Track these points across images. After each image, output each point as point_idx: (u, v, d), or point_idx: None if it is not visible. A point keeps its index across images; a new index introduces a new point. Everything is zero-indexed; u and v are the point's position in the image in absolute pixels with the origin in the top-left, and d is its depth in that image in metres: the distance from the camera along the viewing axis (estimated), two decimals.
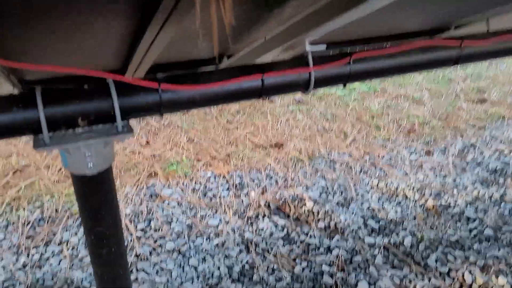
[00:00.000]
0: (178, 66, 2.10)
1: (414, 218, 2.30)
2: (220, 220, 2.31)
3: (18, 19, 0.94)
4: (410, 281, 1.82)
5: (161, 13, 0.97)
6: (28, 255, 1.94)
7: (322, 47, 1.37)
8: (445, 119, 3.90)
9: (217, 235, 2.17)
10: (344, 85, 1.48)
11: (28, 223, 2.18)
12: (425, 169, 2.89)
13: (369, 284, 1.81)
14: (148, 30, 1.12)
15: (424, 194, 2.52)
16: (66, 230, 2.13)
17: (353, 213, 2.37)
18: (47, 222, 2.20)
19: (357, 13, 1.00)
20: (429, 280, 1.83)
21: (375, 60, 1.43)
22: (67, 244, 2.03)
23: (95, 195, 1.25)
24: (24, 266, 1.87)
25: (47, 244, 2.03)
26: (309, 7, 1.24)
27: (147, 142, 3.31)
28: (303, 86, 1.38)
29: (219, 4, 0.73)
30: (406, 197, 2.53)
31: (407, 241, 2.08)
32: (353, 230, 2.19)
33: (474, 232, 2.17)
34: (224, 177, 2.78)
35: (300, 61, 1.36)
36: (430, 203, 2.42)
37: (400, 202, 2.49)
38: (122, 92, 1.14)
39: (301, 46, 1.39)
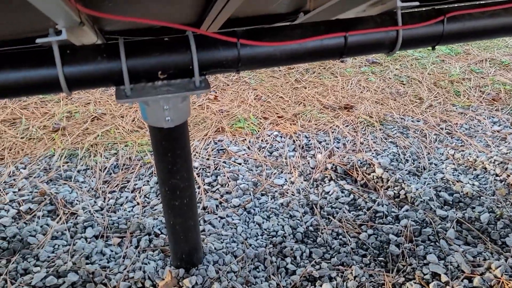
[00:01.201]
0: (253, 21, 2.05)
1: (493, 194, 2.15)
2: (286, 180, 2.30)
3: None
4: (484, 260, 1.72)
5: None
6: (104, 199, 2.06)
7: (415, 3, 1.25)
8: None
9: (282, 194, 2.17)
10: (433, 48, 1.36)
11: (105, 168, 2.31)
12: (510, 142, 2.66)
13: (439, 258, 1.73)
14: None
15: (506, 169, 2.33)
16: (139, 179, 2.24)
17: (425, 183, 2.26)
18: (122, 169, 2.31)
19: None
20: (506, 260, 1.71)
21: (474, 19, 1.28)
22: (139, 192, 2.13)
23: (171, 148, 1.27)
24: (101, 209, 2.00)
25: (121, 190, 2.14)
26: None
27: (215, 97, 3.33)
28: (389, 47, 1.28)
29: None
30: (486, 170, 2.36)
31: (484, 217, 1.95)
32: (424, 200, 2.09)
33: None
34: (290, 137, 2.75)
35: (387, 18, 1.25)
36: None
37: (478, 175, 2.33)
38: (201, 46, 1.12)
39: (390, 1, 1.28)
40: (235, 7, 1.41)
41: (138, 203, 2.04)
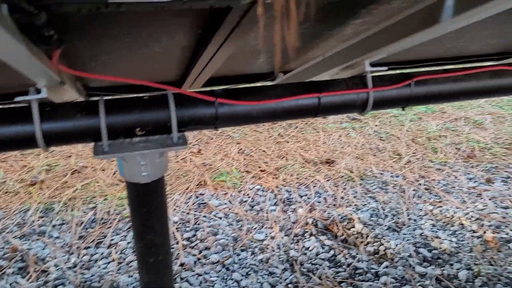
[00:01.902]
0: (234, 80, 2.13)
1: (471, 250, 2.16)
2: (266, 235, 2.29)
3: (87, 33, 0.99)
4: None
5: (223, 30, 0.98)
6: (78, 255, 2.01)
7: (384, 68, 1.33)
8: (509, 145, 3.66)
9: (262, 250, 2.15)
10: (403, 108, 1.43)
11: (81, 223, 2.27)
12: (485, 198, 2.71)
13: None
14: (210, 45, 1.13)
15: (482, 225, 2.36)
16: (116, 234, 2.20)
17: (404, 239, 2.27)
18: (99, 224, 2.28)
19: (425, 36, 0.96)
20: None
21: (439, 83, 1.36)
22: (115, 248, 2.09)
23: (147, 203, 1.27)
24: (75, 265, 1.94)
25: (97, 246, 2.10)
26: (372, 28, 1.21)
27: (199, 151, 3.36)
28: (360, 107, 1.34)
29: (283, 25, 0.72)
30: (463, 226, 2.39)
31: (462, 274, 1.95)
32: (403, 257, 2.09)
33: None
34: (272, 191, 2.76)
35: (358, 81, 1.32)
36: (489, 235, 2.26)
37: (455, 231, 2.35)
38: (180, 104, 1.16)
39: (360, 66, 1.35)
40: (215, 69, 1.48)
41: (113, 260, 2.00)
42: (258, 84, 2.07)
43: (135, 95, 1.40)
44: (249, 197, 2.65)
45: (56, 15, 0.70)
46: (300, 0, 0.64)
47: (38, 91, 0.93)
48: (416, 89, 1.35)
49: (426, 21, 0.89)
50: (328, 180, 2.95)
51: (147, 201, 1.27)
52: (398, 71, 1.40)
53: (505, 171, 3.13)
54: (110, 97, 1.18)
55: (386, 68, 1.31)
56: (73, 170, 2.85)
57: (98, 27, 0.94)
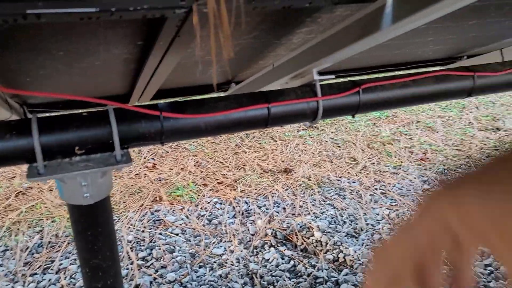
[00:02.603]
0: (185, 92, 2.08)
1: None
2: (225, 249, 2.23)
3: (14, 47, 0.92)
4: None
5: (162, 41, 0.94)
6: (24, 283, 1.88)
7: (331, 77, 1.33)
8: (458, 147, 3.81)
9: (220, 265, 2.10)
10: (353, 116, 1.43)
11: (27, 248, 2.13)
12: None
13: None
14: (152, 56, 1.09)
15: None
16: (66, 258, 2.08)
17: (363, 245, 2.28)
18: (46, 248, 2.14)
19: (367, 43, 0.96)
20: None
21: (386, 90, 1.38)
22: (64, 273, 1.96)
23: (92, 226, 1.20)
24: None
25: (44, 272, 1.97)
26: (317, 36, 1.20)
27: (154, 165, 3.27)
28: (311, 116, 1.33)
29: (217, 34, 0.68)
30: None
31: None
32: (363, 263, 2.09)
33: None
34: (230, 203, 2.72)
35: (308, 90, 1.31)
36: None
37: None
38: (122, 120, 1.10)
39: (309, 75, 1.35)
40: (162, 81, 1.43)
41: (62, 286, 1.88)
42: (210, 95, 2.03)
43: (75, 111, 1.33)
44: (206, 211, 2.59)
45: None
46: (232, 9, 0.61)
47: None
48: (365, 96, 1.36)
49: (367, 29, 0.88)
50: (286, 189, 2.94)
51: (91, 224, 1.19)
52: (346, 79, 1.40)
53: (457, 172, 3.24)
54: (47, 114, 1.11)
55: (333, 76, 1.31)
56: (17, 191, 2.68)
57: (25, 40, 0.87)
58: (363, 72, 2.10)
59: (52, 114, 1.94)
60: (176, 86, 1.95)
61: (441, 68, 2.33)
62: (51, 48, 0.96)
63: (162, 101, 1.95)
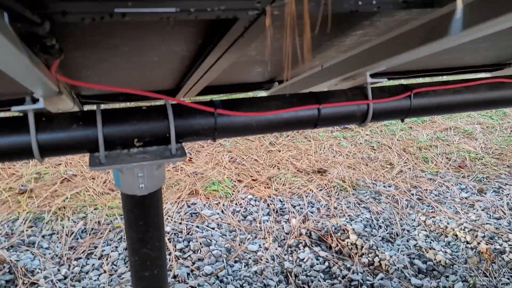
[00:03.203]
0: (229, 89, 2.11)
1: (466, 262, 2.16)
2: (260, 246, 2.26)
3: (85, 42, 0.96)
4: None
5: (225, 40, 0.96)
6: (69, 267, 1.96)
7: (384, 79, 1.32)
8: (499, 156, 3.70)
9: (256, 261, 2.12)
10: (402, 120, 1.42)
11: (72, 233, 2.21)
12: (477, 209, 2.72)
13: None
14: (211, 55, 1.11)
15: (476, 236, 2.37)
16: (107, 244, 2.15)
17: (398, 250, 2.26)
18: (89, 234, 2.23)
19: (431, 48, 0.95)
20: None
21: (438, 95, 1.36)
22: (107, 259, 2.04)
23: (144, 216, 1.24)
24: (65, 277, 1.89)
25: (88, 257, 2.05)
26: (373, 39, 1.20)
27: (190, 159, 3.33)
28: (360, 119, 1.33)
29: (292, 35, 0.70)
30: (457, 237, 2.39)
31: (458, 286, 1.95)
32: (398, 268, 2.08)
33: None
34: (265, 200, 2.74)
35: (358, 92, 1.31)
36: (483, 246, 2.27)
37: (449, 243, 2.35)
38: (178, 115, 1.13)
39: (361, 77, 1.34)
40: (212, 78, 1.46)
41: (105, 271, 1.95)
42: (255, 93, 2.06)
43: (130, 104, 1.37)
44: (241, 207, 2.62)
45: (57, 24, 0.68)
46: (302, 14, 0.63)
47: (34, 101, 0.90)
48: (416, 101, 1.34)
49: (433, 34, 0.88)
50: (320, 190, 2.94)
51: (144, 214, 1.23)
52: (397, 83, 1.39)
53: (496, 182, 3.16)
54: (106, 107, 1.15)
55: (386, 79, 1.31)
56: (62, 178, 2.79)
57: (98, 36, 0.91)
58: (411, 75, 2.07)
59: (111, 106, 2.02)
60: (220, 83, 1.98)
61: (494, 75, 2.27)
62: (118, 44, 0.99)
63: (207, 97, 1.99)
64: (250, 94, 2.11)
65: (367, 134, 4.23)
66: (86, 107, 1.83)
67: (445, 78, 2.53)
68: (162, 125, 1.11)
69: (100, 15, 0.67)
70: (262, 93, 2.18)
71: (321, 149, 3.78)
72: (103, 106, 1.14)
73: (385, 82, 1.34)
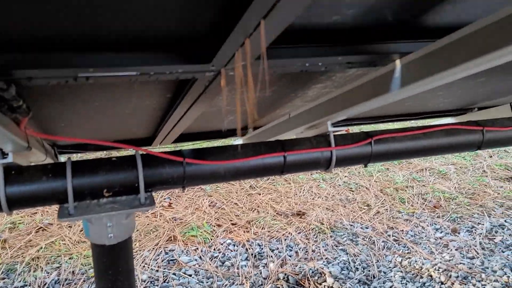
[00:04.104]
0: (205, 136, 2.17)
1: None
2: None
3: (55, 98, 1.02)
4: None
5: (190, 96, 1.03)
6: None
7: (344, 128, 1.40)
8: (472, 195, 3.80)
9: None
10: (365, 165, 1.49)
11: (44, 285, 2.17)
12: (451, 249, 2.77)
13: None
14: (179, 108, 1.18)
15: (450, 276, 2.40)
16: None
17: None
18: (63, 285, 2.19)
19: (378, 102, 1.03)
20: None
21: (397, 141, 1.44)
22: None
23: (113, 266, 1.25)
24: None
25: None
26: (332, 92, 1.29)
27: (170, 205, 3.33)
28: (325, 165, 1.39)
29: (242, 94, 0.77)
30: (431, 278, 2.42)
31: None
32: None
33: None
34: (243, 245, 2.74)
35: (322, 140, 1.38)
36: (457, 287, 2.30)
37: (425, 283, 2.37)
38: (148, 165, 1.18)
39: (323, 126, 1.42)
40: (185, 127, 1.52)
41: None
42: (229, 139, 2.12)
43: (102, 152, 1.41)
44: (220, 252, 2.62)
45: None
46: (256, 73, 0.70)
47: (4, 155, 0.94)
48: (377, 147, 1.42)
49: (378, 90, 0.96)
50: (299, 233, 2.96)
51: (113, 263, 1.24)
52: (359, 130, 1.47)
53: (470, 221, 3.23)
54: (78, 157, 1.19)
55: (346, 128, 1.38)
56: (38, 227, 2.76)
57: (67, 93, 0.97)
58: (376, 121, 2.17)
59: (82, 155, 2.04)
60: (197, 131, 2.04)
61: (453, 119, 2.39)
62: (89, 100, 1.05)
63: (183, 144, 2.05)
64: (229, 141, 2.18)
65: (345, 176, 4.31)
66: (63, 156, 1.86)
67: (412, 122, 2.64)
68: (131, 175, 1.15)
69: (65, 80, 0.72)
70: (238, 140, 2.25)
71: (300, 191, 3.83)
72: (78, 156, 1.18)
73: (346, 130, 1.41)
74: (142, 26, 0.64)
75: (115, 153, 3.73)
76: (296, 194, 3.77)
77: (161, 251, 2.59)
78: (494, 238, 2.93)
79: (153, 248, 2.61)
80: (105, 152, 3.10)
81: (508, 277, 2.40)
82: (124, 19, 0.61)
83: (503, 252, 2.72)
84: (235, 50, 0.69)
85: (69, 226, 2.78)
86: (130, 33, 0.67)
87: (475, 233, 3.01)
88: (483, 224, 3.15)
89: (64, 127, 1.36)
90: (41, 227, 2.76)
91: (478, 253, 2.69)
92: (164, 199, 3.40)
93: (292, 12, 0.54)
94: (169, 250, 2.61)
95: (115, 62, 0.72)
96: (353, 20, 0.78)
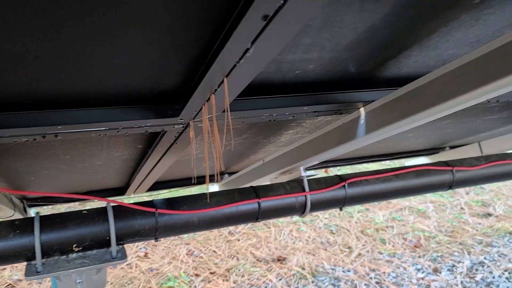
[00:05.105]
0: (180, 183, 2.15)
1: None
2: None
3: (23, 154, 1.01)
4: None
5: (161, 147, 1.04)
6: None
7: (317, 173, 1.42)
8: (451, 233, 3.83)
9: None
10: (341, 209, 1.50)
11: None
12: None
13: None
14: (150, 158, 1.18)
15: None
16: None
17: None
18: None
19: (346, 148, 1.06)
20: None
21: (370, 184, 1.46)
22: None
23: None
24: None
25: None
26: (304, 137, 1.32)
27: (146, 255, 3.24)
28: (300, 210, 1.40)
29: (210, 144, 0.78)
30: None
31: None
32: None
33: None
34: None
35: (296, 185, 1.39)
36: None
37: None
38: (119, 217, 1.16)
39: (297, 171, 1.44)
40: (158, 176, 1.51)
41: None
42: (203, 186, 2.11)
43: (74, 204, 1.38)
44: None
45: None
46: (223, 124, 0.71)
47: None
48: (350, 190, 1.44)
49: (345, 136, 0.99)
50: (280, 280, 2.90)
51: None
52: (337, 171, 1.49)
53: (450, 260, 3.23)
54: (49, 209, 1.17)
55: (319, 173, 1.40)
56: (7, 284, 2.63)
57: (36, 149, 0.97)
58: (352, 162, 2.21)
59: (53, 207, 1.99)
60: (171, 178, 2.03)
61: (426, 158, 2.45)
62: (58, 154, 1.05)
63: (158, 192, 2.03)
64: (205, 187, 2.17)
65: (326, 218, 4.29)
66: (33, 209, 1.81)
67: (388, 162, 2.70)
68: (102, 228, 1.13)
69: (33, 137, 0.72)
70: (214, 186, 2.24)
71: (281, 235, 3.79)
72: (49, 208, 1.15)
73: (317, 174, 1.43)
74: (109, 82, 0.66)
75: (89, 203, 3.64)
76: (276, 239, 3.72)
77: None
78: (475, 277, 2.93)
79: None
80: (77, 203, 3.03)
81: None
82: (91, 77, 0.62)
83: None
84: (201, 104, 0.71)
85: (39, 282, 2.66)
86: (98, 90, 0.68)
87: (456, 271, 3.01)
88: (463, 263, 3.15)
89: (34, 180, 1.33)
90: (10, 284, 2.63)
91: None
92: (140, 248, 3.31)
93: (252, 71, 0.56)
94: None
95: (83, 119, 0.73)
96: (315, 74, 0.82)
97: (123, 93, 0.72)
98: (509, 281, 2.83)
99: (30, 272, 1.04)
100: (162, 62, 0.59)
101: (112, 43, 0.51)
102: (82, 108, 0.73)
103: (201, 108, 0.73)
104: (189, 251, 3.32)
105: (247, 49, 0.49)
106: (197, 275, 2.91)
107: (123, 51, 0.54)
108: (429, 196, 5.03)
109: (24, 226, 1.04)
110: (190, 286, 2.74)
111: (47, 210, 2.17)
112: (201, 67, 0.62)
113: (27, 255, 1.04)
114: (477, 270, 3.04)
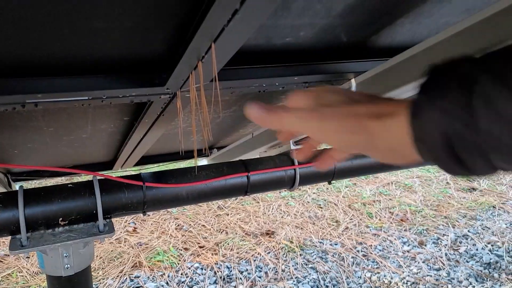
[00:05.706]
0: (168, 157, 2.13)
1: None
2: None
3: (5, 126, 0.97)
4: None
5: (147, 118, 1.01)
6: None
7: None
8: (437, 207, 3.89)
9: None
10: (329, 182, 1.50)
11: None
12: (419, 261, 2.81)
13: None
14: (136, 131, 1.15)
15: None
16: None
17: None
18: None
19: None
20: None
21: (360, 157, 1.46)
22: None
23: None
24: None
25: None
26: None
27: (134, 229, 3.24)
28: (289, 183, 1.39)
29: (197, 115, 0.75)
30: None
31: None
32: None
33: None
34: (212, 268, 2.69)
35: (285, 158, 1.38)
36: None
37: None
38: (106, 190, 1.14)
39: (286, 144, 1.43)
40: (145, 150, 1.49)
41: None
42: (192, 161, 2.10)
43: (60, 178, 1.36)
44: (187, 277, 2.56)
45: None
46: (211, 94, 0.69)
47: None
48: (339, 163, 1.43)
49: None
50: (268, 253, 2.93)
51: None
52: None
53: (435, 233, 3.30)
54: (36, 184, 1.14)
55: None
56: None
57: (18, 121, 0.93)
58: None
59: (39, 182, 1.96)
60: (159, 153, 2.01)
61: None
62: (42, 126, 1.01)
63: (146, 166, 2.00)
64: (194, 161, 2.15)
65: (314, 193, 4.33)
66: (18, 184, 1.78)
67: None
68: (88, 202, 1.11)
69: (12, 106, 0.69)
70: (203, 160, 2.23)
71: (269, 210, 3.81)
72: (36, 183, 1.13)
73: None
74: (91, 49, 0.63)
75: (76, 178, 3.61)
76: (265, 213, 3.75)
77: (126, 278, 2.50)
78: (459, 249, 3.00)
79: (118, 276, 2.52)
80: (64, 177, 2.99)
81: (474, 286, 2.45)
82: (71, 43, 0.59)
83: (468, 262, 2.79)
84: (188, 73, 0.68)
85: (27, 257, 2.65)
86: (79, 57, 0.65)
87: (441, 244, 3.07)
88: (448, 235, 3.22)
89: (18, 154, 1.30)
90: None
91: (444, 264, 2.74)
92: (129, 223, 3.30)
93: (241, 35, 0.54)
94: (134, 277, 2.53)
95: (64, 87, 0.70)
96: (306, 42, 0.79)
97: (107, 60, 0.69)
98: (491, 253, 2.90)
99: (14, 246, 1.02)
100: (147, 25, 0.56)
101: (92, 4, 0.48)
102: (63, 76, 0.70)
103: (188, 76, 0.70)
104: (178, 225, 3.33)
105: (236, 10, 0.46)
106: (186, 249, 2.93)
107: (104, 13, 0.51)
108: (416, 171, 5.09)
109: (7, 199, 1.02)
110: (180, 260, 2.76)
111: (33, 185, 2.14)
112: (188, 32, 0.59)
113: (11, 228, 1.02)
114: (461, 242, 3.11)
